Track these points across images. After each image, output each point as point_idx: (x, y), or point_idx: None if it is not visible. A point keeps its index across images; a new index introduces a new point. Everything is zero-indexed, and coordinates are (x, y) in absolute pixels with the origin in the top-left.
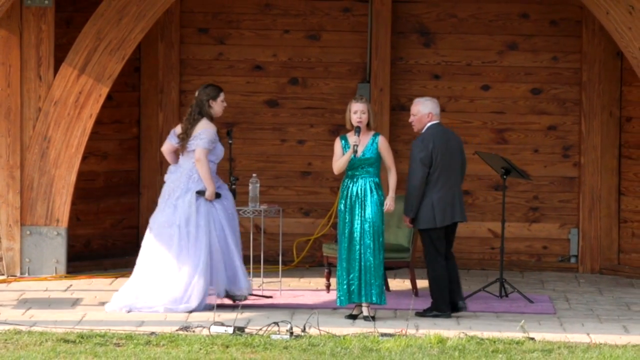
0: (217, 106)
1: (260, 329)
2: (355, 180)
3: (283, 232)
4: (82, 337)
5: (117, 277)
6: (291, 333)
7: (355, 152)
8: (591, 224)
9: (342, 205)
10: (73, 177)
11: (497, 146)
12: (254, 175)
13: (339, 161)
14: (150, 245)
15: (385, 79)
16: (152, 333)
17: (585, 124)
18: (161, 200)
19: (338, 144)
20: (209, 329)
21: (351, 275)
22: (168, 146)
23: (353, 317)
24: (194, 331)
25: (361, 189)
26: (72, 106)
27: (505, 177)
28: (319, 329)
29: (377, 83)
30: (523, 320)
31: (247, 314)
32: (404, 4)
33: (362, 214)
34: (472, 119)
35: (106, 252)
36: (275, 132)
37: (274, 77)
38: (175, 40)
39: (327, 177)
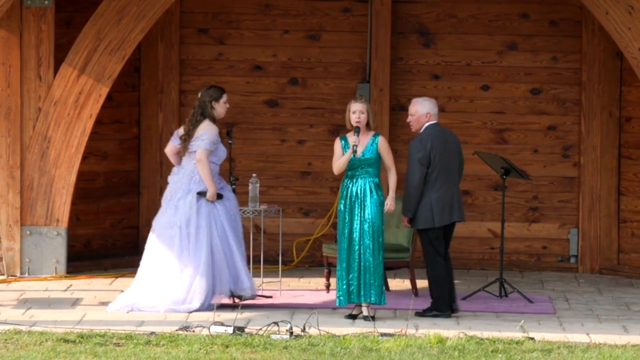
0: (220, 107)
1: (260, 329)
2: (354, 180)
3: (283, 232)
4: (82, 337)
5: (117, 277)
6: (291, 333)
7: (354, 152)
8: (591, 224)
9: (341, 206)
10: (73, 177)
11: (497, 146)
12: (254, 175)
13: (339, 161)
14: (153, 246)
15: (385, 79)
16: (152, 333)
17: (585, 124)
18: (164, 202)
19: (338, 144)
20: (209, 328)
21: (350, 276)
22: (171, 147)
23: (353, 317)
24: (193, 331)
25: (361, 189)
26: (72, 106)
27: (504, 177)
28: (318, 329)
29: (376, 83)
30: (523, 320)
31: (247, 314)
32: (404, 4)
33: (362, 214)
34: (471, 119)
35: (106, 252)
36: (275, 132)
37: (274, 77)
38: (175, 41)
39: (327, 177)
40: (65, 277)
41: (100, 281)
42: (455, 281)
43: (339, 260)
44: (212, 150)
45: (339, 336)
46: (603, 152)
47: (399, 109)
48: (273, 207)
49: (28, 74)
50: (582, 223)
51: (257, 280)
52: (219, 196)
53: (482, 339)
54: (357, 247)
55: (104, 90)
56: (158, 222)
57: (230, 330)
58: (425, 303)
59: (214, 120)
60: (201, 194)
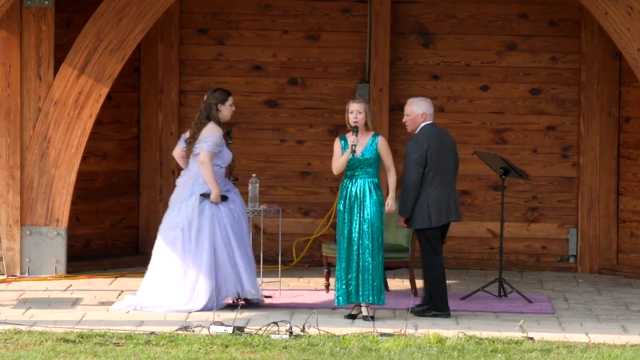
0: (226, 110)
1: (260, 329)
2: (354, 180)
3: (282, 232)
4: (82, 337)
5: (116, 277)
6: (290, 333)
7: (353, 152)
8: (590, 224)
9: (341, 206)
10: (73, 177)
11: (496, 146)
12: (254, 175)
13: (338, 161)
14: (158, 248)
15: (384, 79)
16: (152, 333)
17: (584, 124)
18: (170, 204)
19: (337, 144)
20: (209, 328)
21: (349, 276)
22: (178, 151)
23: (352, 316)
24: (193, 331)
25: (360, 190)
26: (72, 106)
27: (504, 177)
28: (318, 329)
29: (376, 83)
30: (522, 320)
31: (246, 314)
32: (403, 4)
33: (361, 215)
34: (471, 119)
35: (106, 252)
36: (275, 132)
37: (274, 77)
38: (174, 41)
39: (327, 177)
40: (65, 277)
41: (100, 281)
42: (455, 281)
43: (338, 260)
44: (216, 152)
45: (338, 336)
46: (602, 152)
47: (399, 109)
48: (272, 207)
49: (28, 74)
50: (581, 223)
51: (257, 280)
52: (224, 198)
53: (481, 339)
54: (356, 247)
55: (104, 90)
56: (163, 224)
57: (229, 330)
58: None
59: (219, 122)
60: (205, 196)
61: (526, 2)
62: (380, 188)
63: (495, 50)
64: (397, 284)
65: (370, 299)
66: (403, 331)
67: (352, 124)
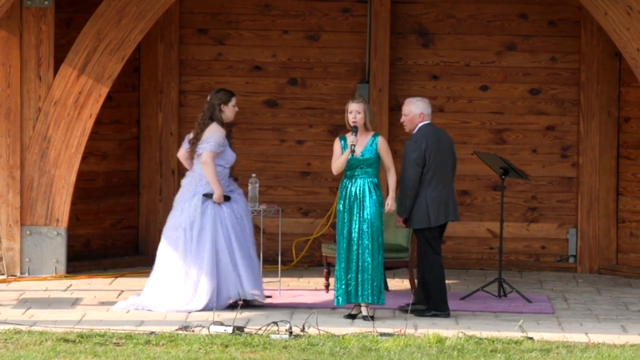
0: (229, 111)
1: (260, 329)
2: (353, 180)
3: (282, 232)
4: (82, 337)
5: (116, 277)
6: (290, 333)
7: (352, 151)
8: (589, 224)
9: (340, 206)
10: (73, 177)
11: (496, 146)
12: (253, 175)
13: (338, 161)
14: (162, 248)
15: (384, 79)
16: (152, 333)
17: (584, 124)
18: (174, 204)
19: (337, 144)
20: (209, 328)
21: (349, 276)
22: (182, 152)
23: (352, 316)
24: (193, 331)
25: (360, 190)
26: (72, 106)
27: (503, 177)
28: (318, 329)
29: (376, 83)
30: (522, 320)
31: (246, 314)
32: (403, 4)
33: (361, 215)
34: (470, 119)
35: (106, 252)
36: (275, 133)
37: (273, 77)
38: (174, 41)
39: (326, 177)
40: (65, 277)
41: (100, 281)
42: (455, 281)
43: (337, 260)
44: (219, 152)
45: (338, 336)
46: (602, 152)
47: (398, 109)
48: (272, 207)
49: (28, 74)
50: (580, 223)
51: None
52: (227, 198)
53: (481, 339)
54: (355, 247)
55: (104, 91)
56: (167, 224)
57: (229, 330)
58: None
59: (222, 123)
60: (208, 196)
61: (526, 2)
62: (379, 188)
63: (494, 51)
64: (397, 284)
65: (370, 299)
66: (403, 331)
67: (352, 124)
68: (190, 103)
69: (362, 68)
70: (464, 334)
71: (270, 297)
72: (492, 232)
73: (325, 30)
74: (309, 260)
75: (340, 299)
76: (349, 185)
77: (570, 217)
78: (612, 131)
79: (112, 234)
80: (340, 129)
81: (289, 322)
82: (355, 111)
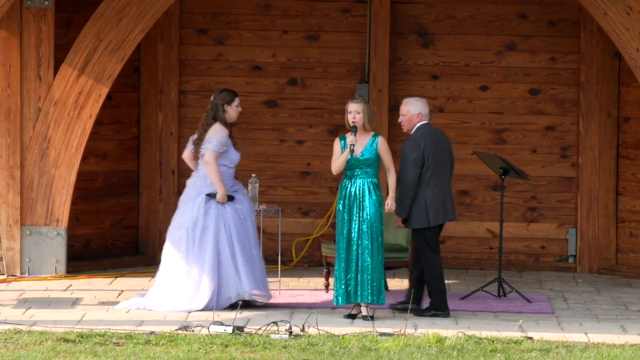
0: (232, 111)
1: (260, 329)
2: (353, 180)
3: (282, 232)
4: (82, 337)
5: (116, 277)
6: (290, 332)
7: (352, 151)
8: (589, 224)
9: (340, 205)
10: (73, 177)
11: (496, 146)
12: (253, 175)
13: (337, 161)
14: (166, 248)
15: (383, 79)
16: (152, 332)
17: (583, 125)
18: (179, 204)
19: (337, 144)
20: (208, 328)
21: (349, 276)
22: (187, 153)
23: (352, 316)
24: (193, 331)
25: (359, 190)
26: (72, 106)
27: (503, 177)
28: (317, 329)
29: (375, 83)
30: (521, 320)
31: (246, 314)
32: (403, 4)
33: (360, 215)
34: (470, 119)
35: (106, 252)
36: (275, 133)
37: (273, 77)
38: (174, 41)
39: (326, 177)
40: (65, 276)
41: (99, 281)
42: (454, 281)
43: (337, 260)
44: (222, 152)
45: (338, 336)
46: (601, 152)
47: (398, 109)
48: (272, 207)
49: (28, 74)
50: (580, 223)
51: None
52: (230, 198)
53: (480, 339)
54: (355, 247)
55: (104, 91)
56: (171, 224)
57: (229, 329)
58: (424, 302)
59: (225, 123)
60: (211, 196)
61: (525, 2)
62: (379, 188)
63: (494, 51)
64: (397, 283)
65: (370, 299)
66: (402, 331)
67: (351, 124)
68: (190, 103)
69: (362, 68)
70: (464, 334)
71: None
72: (492, 232)
73: (325, 31)
74: (309, 260)
75: (340, 299)
76: (349, 185)
77: (570, 217)
78: (611, 131)
79: (112, 234)
80: (340, 129)
81: (289, 322)
82: (354, 111)
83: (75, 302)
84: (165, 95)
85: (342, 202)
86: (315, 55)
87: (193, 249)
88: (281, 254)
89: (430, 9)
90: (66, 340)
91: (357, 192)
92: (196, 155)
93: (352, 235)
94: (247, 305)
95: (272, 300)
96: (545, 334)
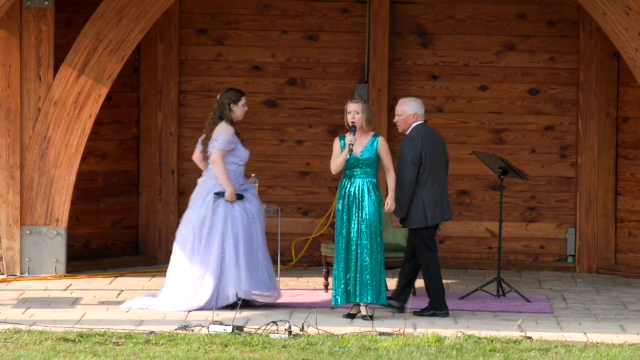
0: (239, 110)
1: (259, 329)
2: (353, 180)
3: (282, 232)
4: (82, 337)
5: (116, 277)
6: (290, 332)
7: (351, 151)
8: (588, 224)
9: (339, 205)
10: (73, 177)
11: (495, 146)
12: (253, 175)
13: (337, 160)
14: (175, 246)
15: (383, 79)
16: (152, 332)
17: (583, 125)
18: (190, 203)
19: (337, 144)
20: (208, 328)
21: (348, 276)
22: (197, 154)
23: (351, 316)
24: (193, 330)
25: (359, 190)
26: (72, 107)
27: (502, 177)
28: (317, 329)
29: (375, 84)
30: (520, 320)
31: (246, 314)
32: (402, 5)
33: (360, 215)
34: (470, 119)
35: (106, 252)
36: (274, 133)
37: (273, 77)
38: (174, 41)
39: (326, 177)
40: (65, 276)
41: (99, 281)
42: (454, 281)
43: (336, 260)
44: (229, 150)
45: (337, 335)
46: (601, 152)
47: None
48: (272, 207)
49: (28, 75)
50: (579, 223)
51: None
52: (240, 197)
53: (480, 339)
54: (354, 247)
55: (104, 91)
56: (181, 223)
57: (229, 329)
58: (424, 302)
59: (232, 122)
60: (220, 195)
61: (525, 2)
62: (379, 188)
63: (494, 51)
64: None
65: (370, 299)
66: (402, 331)
67: (351, 124)
68: (190, 103)
69: (362, 68)
70: (463, 334)
71: (270, 296)
72: (491, 232)
73: (324, 31)
74: (309, 260)
75: (339, 299)
76: (348, 185)
77: (569, 217)
78: (611, 131)
79: (112, 234)
80: (339, 129)
81: (289, 322)
82: (354, 111)
83: (75, 302)
84: (165, 96)
85: (341, 202)
86: (315, 56)
87: (199, 248)
88: (281, 254)
89: (429, 9)
90: (66, 340)
91: (357, 192)
92: (205, 156)
93: (352, 235)
94: (247, 305)
95: (270, 300)
96: (544, 333)
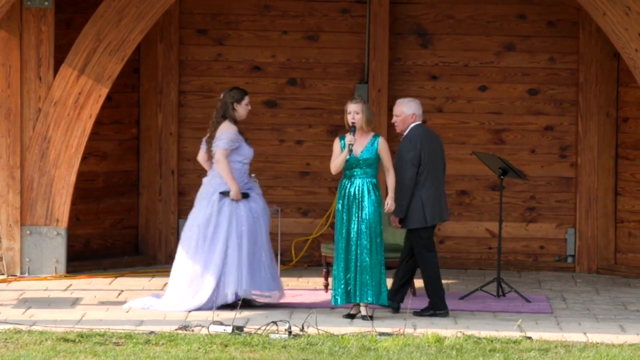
0: (242, 109)
1: (259, 328)
2: (352, 180)
3: (281, 232)
4: (82, 336)
5: (116, 277)
6: (289, 332)
7: (350, 151)
8: (588, 224)
9: (339, 205)
10: (73, 177)
11: (495, 146)
12: (253, 175)
13: (336, 160)
14: (179, 246)
15: (383, 79)
16: (152, 332)
17: (582, 125)
18: (195, 202)
19: (337, 144)
20: (208, 328)
21: (348, 276)
22: (201, 155)
23: (351, 316)
24: (193, 330)
25: (358, 190)
26: (72, 107)
27: (502, 177)
28: (317, 328)
29: (375, 84)
30: (520, 320)
31: (245, 313)
32: (402, 5)
33: (359, 215)
34: (469, 119)
35: (105, 252)
36: (274, 133)
37: (273, 77)
38: (174, 41)
39: (326, 177)
40: (65, 276)
41: (99, 281)
42: (453, 281)
43: (336, 260)
44: (232, 149)
45: (337, 335)
46: (600, 152)
47: None
48: (272, 207)
49: (28, 75)
50: (579, 223)
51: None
52: (245, 195)
53: (479, 339)
54: (354, 247)
55: (104, 91)
56: (186, 222)
57: (229, 329)
58: (423, 302)
59: (235, 121)
60: (224, 194)
61: (524, 2)
62: (378, 188)
63: (493, 51)
64: None
65: (370, 299)
66: (402, 331)
67: (350, 124)
68: (190, 103)
69: (361, 68)
70: (463, 334)
71: (269, 297)
72: (491, 232)
73: (324, 31)
74: (308, 260)
75: (339, 299)
76: (348, 185)
77: (569, 217)
78: (610, 131)
79: (112, 234)
80: (339, 129)
81: (288, 322)
82: (354, 112)
83: (75, 302)
84: (165, 96)
85: (341, 202)
86: (314, 56)
87: (203, 247)
88: (281, 254)
89: (429, 10)
90: (66, 340)
91: (357, 192)
92: (210, 155)
93: (351, 235)
94: (247, 305)
95: (272, 300)
96: (544, 333)
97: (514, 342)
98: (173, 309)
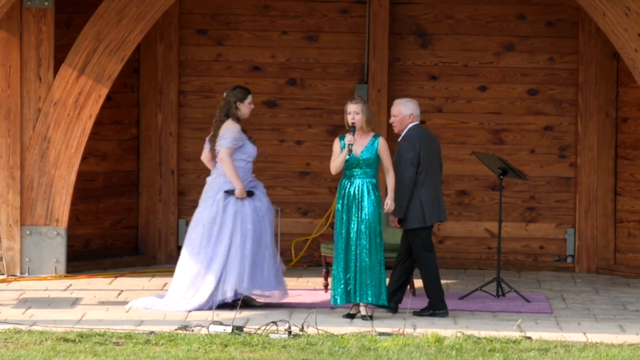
0: (245, 108)
1: (259, 328)
2: (352, 180)
3: (281, 232)
4: (82, 336)
5: (116, 277)
6: (289, 332)
7: (350, 151)
8: (587, 224)
9: (339, 205)
10: (73, 178)
11: (494, 146)
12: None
13: (336, 160)
14: (184, 245)
15: (382, 79)
16: (152, 332)
17: (582, 125)
18: (200, 201)
19: (337, 144)
20: (208, 328)
21: (348, 276)
22: (205, 154)
23: (351, 316)
24: (192, 330)
25: (358, 190)
26: (72, 107)
27: (502, 177)
28: (317, 328)
29: (374, 84)
30: (520, 320)
31: (245, 313)
32: (402, 5)
33: (359, 215)
34: (469, 119)
35: (105, 252)
36: (274, 133)
37: (272, 78)
38: (174, 42)
39: (325, 177)
40: (65, 276)
41: (99, 281)
42: (453, 281)
43: (335, 260)
44: (236, 147)
45: (337, 335)
46: (600, 152)
47: None
48: (272, 207)
49: (28, 75)
50: (578, 223)
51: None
52: (250, 194)
53: (479, 338)
54: (353, 248)
55: (104, 91)
56: (191, 221)
57: (229, 329)
58: (423, 302)
59: (238, 120)
60: (229, 193)
61: (524, 3)
62: (378, 189)
63: (493, 51)
64: None
65: (369, 299)
66: (401, 330)
67: (350, 125)
68: (190, 103)
69: (361, 68)
70: (463, 334)
71: (269, 296)
72: (491, 232)
73: (324, 31)
74: (308, 260)
75: (338, 299)
76: (348, 185)
77: (569, 217)
78: (610, 131)
79: (111, 234)
80: (339, 129)
81: (288, 322)
82: (353, 112)
83: (75, 302)
84: (165, 96)
85: (341, 202)
86: (314, 56)
87: (208, 246)
88: (280, 254)
89: (429, 10)
90: (66, 340)
91: (356, 192)
92: (213, 154)
93: (351, 235)
94: (247, 304)
95: (272, 300)
96: (543, 333)
97: (514, 342)
98: (175, 309)
